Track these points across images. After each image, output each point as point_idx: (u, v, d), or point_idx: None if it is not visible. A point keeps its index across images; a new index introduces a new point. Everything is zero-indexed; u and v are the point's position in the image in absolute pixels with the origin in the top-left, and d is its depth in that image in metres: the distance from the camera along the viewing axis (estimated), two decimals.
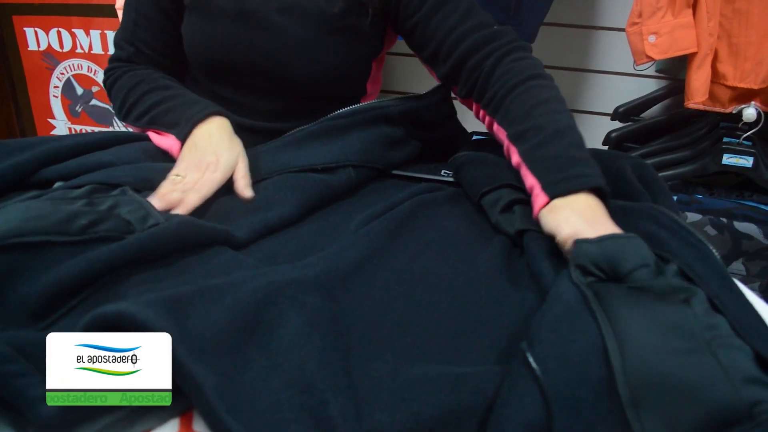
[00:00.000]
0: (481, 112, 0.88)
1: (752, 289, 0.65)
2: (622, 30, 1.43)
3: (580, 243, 0.60)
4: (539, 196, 0.69)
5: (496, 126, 0.83)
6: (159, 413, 0.46)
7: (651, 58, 1.34)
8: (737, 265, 1.40)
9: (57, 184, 0.73)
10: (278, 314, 0.51)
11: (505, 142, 0.80)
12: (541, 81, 0.81)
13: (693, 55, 1.34)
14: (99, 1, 2.05)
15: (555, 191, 0.67)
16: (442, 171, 0.93)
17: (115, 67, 0.96)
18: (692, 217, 1.40)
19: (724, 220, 1.38)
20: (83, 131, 2.29)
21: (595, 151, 0.85)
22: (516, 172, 0.79)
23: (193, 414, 0.47)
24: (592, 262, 0.56)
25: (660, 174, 1.44)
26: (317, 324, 0.51)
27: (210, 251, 0.64)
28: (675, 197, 1.49)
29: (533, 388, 0.46)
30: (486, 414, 0.47)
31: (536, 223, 0.72)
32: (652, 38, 1.31)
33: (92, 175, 0.72)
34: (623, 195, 0.76)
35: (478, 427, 0.46)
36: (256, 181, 0.80)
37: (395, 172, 0.93)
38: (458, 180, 0.88)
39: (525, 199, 0.75)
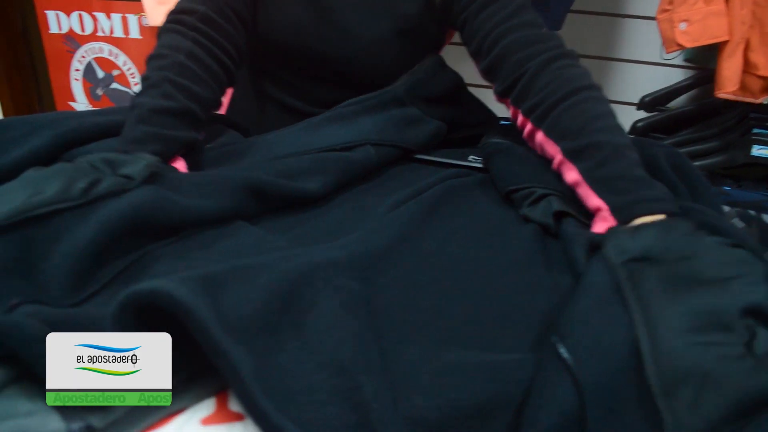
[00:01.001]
0: (521, 118, 0.84)
1: None
2: (650, 18, 1.41)
3: (613, 234, 0.59)
4: (607, 219, 0.67)
5: (541, 136, 0.79)
6: (195, 392, 0.46)
7: (681, 46, 1.32)
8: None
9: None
10: (312, 296, 0.50)
11: (558, 157, 0.76)
12: (593, 92, 0.77)
13: (724, 43, 1.31)
14: None
15: (625, 215, 0.65)
16: (470, 156, 0.92)
17: (178, 12, 0.85)
18: None
19: (752, 212, 1.36)
20: None
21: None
22: (546, 172, 0.79)
23: (229, 393, 0.47)
24: (627, 254, 0.56)
25: None
26: (351, 306, 0.51)
27: (235, 227, 0.65)
28: None
29: (566, 379, 0.46)
30: (521, 403, 0.47)
31: (574, 208, 0.72)
32: (683, 26, 1.29)
33: None
34: None
35: (514, 415, 0.46)
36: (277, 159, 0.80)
37: (422, 156, 0.93)
38: (488, 168, 0.87)
39: (558, 194, 0.75)
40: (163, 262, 0.57)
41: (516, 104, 0.84)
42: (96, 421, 0.42)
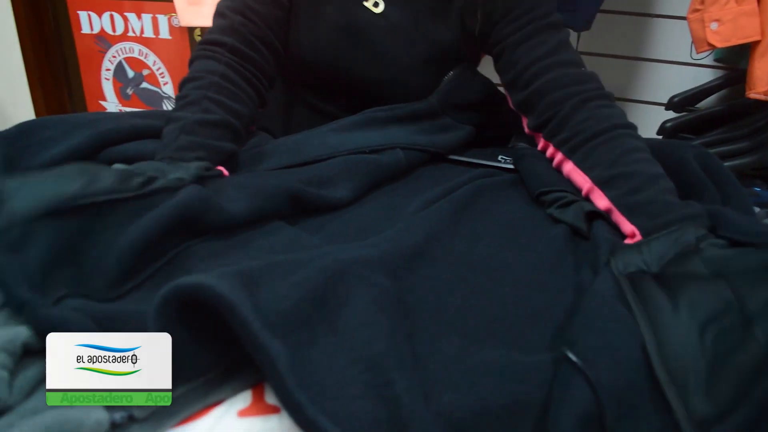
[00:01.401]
0: (551, 149, 0.85)
1: None
2: (679, 18, 1.40)
3: (620, 251, 0.61)
4: None
5: (570, 166, 0.80)
6: (233, 384, 0.47)
7: (712, 46, 1.31)
8: None
9: (116, 166, 0.74)
10: (346, 292, 0.51)
11: (587, 184, 0.76)
12: (628, 130, 0.78)
13: (756, 43, 1.30)
14: None
15: None
16: (499, 156, 0.93)
17: (207, 43, 0.87)
18: None
19: None
20: None
21: (656, 141, 0.84)
22: None
23: (265, 387, 0.48)
24: (631, 267, 0.58)
25: None
26: (383, 303, 0.52)
27: (270, 226, 0.66)
28: None
29: (581, 381, 0.46)
30: (545, 404, 0.47)
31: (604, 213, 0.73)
32: (714, 25, 1.28)
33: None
34: (686, 185, 0.75)
35: (539, 416, 0.47)
36: (306, 163, 0.81)
37: (452, 156, 0.93)
38: (519, 170, 0.87)
39: (588, 200, 0.76)
40: (201, 258, 0.58)
41: (548, 138, 0.84)
42: (138, 411, 0.43)
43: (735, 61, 1.48)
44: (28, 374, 0.44)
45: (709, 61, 1.57)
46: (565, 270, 0.65)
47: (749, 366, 0.45)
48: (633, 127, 0.79)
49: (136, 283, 0.54)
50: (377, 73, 0.95)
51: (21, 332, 0.44)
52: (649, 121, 1.62)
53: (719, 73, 1.61)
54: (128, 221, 0.56)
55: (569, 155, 0.80)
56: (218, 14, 0.90)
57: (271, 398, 0.47)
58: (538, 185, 0.80)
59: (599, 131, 0.77)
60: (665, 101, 1.59)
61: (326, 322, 0.48)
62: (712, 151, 1.43)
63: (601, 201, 0.74)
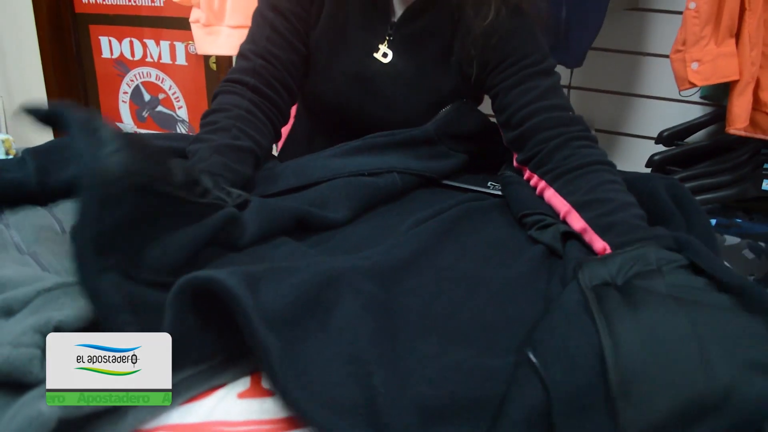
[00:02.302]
0: (534, 179, 0.92)
1: None
2: (668, 57, 1.46)
3: (587, 264, 0.66)
4: None
5: (551, 192, 0.87)
6: (234, 370, 0.53)
7: (693, 84, 1.38)
8: None
9: None
10: (336, 296, 0.57)
11: (565, 207, 0.83)
12: (608, 167, 0.85)
13: (735, 82, 1.37)
14: (170, 13, 2.18)
15: None
16: (489, 182, 1.00)
17: (231, 81, 0.96)
18: (731, 240, 1.42)
19: (762, 244, 1.40)
20: None
21: (631, 174, 0.91)
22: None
23: (262, 373, 0.54)
24: (597, 280, 0.63)
25: (700, 197, 1.48)
26: (370, 308, 0.57)
27: (275, 241, 0.73)
28: (714, 221, 1.51)
29: (535, 379, 0.51)
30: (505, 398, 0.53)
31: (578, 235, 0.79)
32: (694, 65, 1.35)
33: None
34: (655, 215, 0.81)
35: (498, 409, 0.51)
36: (309, 185, 0.87)
37: (445, 182, 1.01)
38: (505, 195, 0.95)
39: (565, 223, 0.82)
40: (214, 265, 0.64)
41: (533, 170, 0.92)
42: None
43: (720, 99, 1.54)
44: None
45: (696, 98, 1.63)
46: (538, 285, 0.71)
47: (697, 397, 0.48)
48: (612, 165, 0.86)
49: (170, 280, 0.57)
50: (385, 116, 1.04)
51: (54, 316, 0.48)
52: (639, 154, 1.68)
53: (707, 109, 1.67)
54: (184, 220, 0.62)
55: (551, 183, 0.87)
56: (241, 56, 0.99)
57: (267, 383, 0.53)
58: (520, 208, 0.87)
59: (580, 165, 0.85)
60: (655, 135, 1.66)
61: (317, 321, 0.54)
62: (696, 183, 1.51)
63: (577, 223, 0.80)
